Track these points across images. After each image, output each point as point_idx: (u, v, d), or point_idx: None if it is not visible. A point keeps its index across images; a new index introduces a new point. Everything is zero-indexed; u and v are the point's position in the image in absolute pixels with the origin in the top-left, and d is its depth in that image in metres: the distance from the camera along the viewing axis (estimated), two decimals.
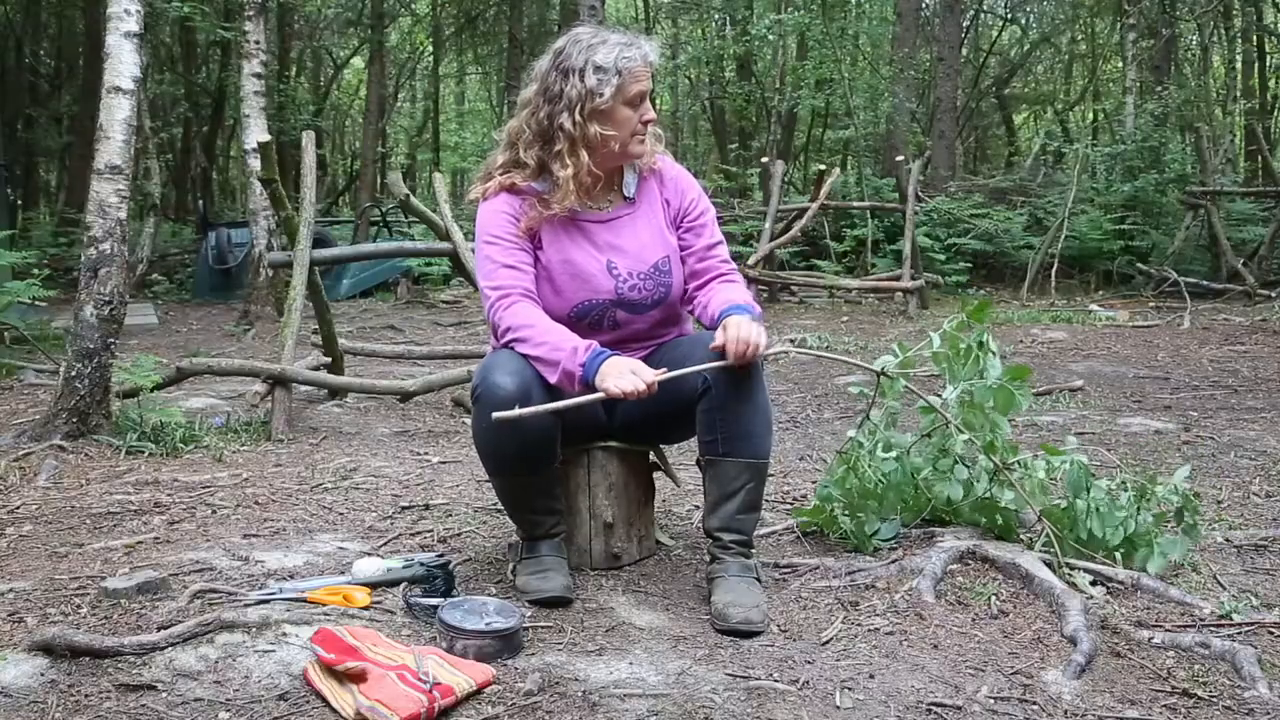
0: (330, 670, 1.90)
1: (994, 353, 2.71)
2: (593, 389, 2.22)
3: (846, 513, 2.76)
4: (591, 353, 2.25)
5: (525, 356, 2.32)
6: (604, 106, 2.40)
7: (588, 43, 2.41)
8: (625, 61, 2.40)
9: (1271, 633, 2.20)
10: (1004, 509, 2.68)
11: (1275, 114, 18.88)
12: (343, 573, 2.50)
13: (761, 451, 2.39)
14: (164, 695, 1.88)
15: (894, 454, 2.72)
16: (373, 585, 2.40)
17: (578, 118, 2.39)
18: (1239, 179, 13.94)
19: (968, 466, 2.71)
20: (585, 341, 2.29)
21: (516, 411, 2.18)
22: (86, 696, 1.86)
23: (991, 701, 1.93)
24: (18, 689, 1.88)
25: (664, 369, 2.27)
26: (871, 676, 2.02)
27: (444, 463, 3.95)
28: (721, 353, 2.29)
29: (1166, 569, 2.52)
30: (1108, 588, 2.42)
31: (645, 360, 2.50)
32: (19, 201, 15.48)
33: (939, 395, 2.72)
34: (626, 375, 2.20)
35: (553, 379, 2.29)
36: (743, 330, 2.27)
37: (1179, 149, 13.45)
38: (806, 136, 19.83)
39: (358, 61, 21.37)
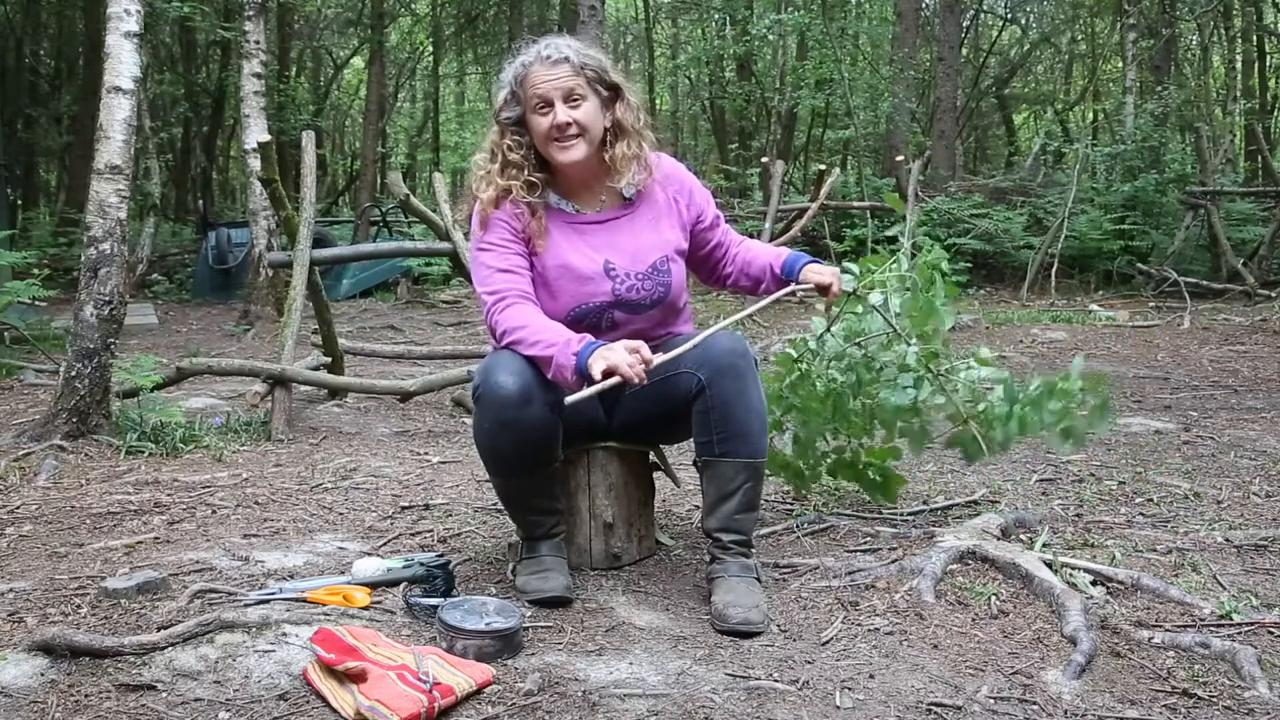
0: (330, 670, 1.90)
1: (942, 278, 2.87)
2: (587, 378, 2.19)
3: (793, 425, 2.92)
4: (585, 344, 2.24)
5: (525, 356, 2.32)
6: (511, 117, 2.43)
7: (514, 57, 2.45)
8: (520, 70, 2.41)
9: (1271, 633, 2.20)
10: (920, 411, 2.85)
11: (1275, 114, 18.89)
12: (343, 573, 2.50)
13: (758, 451, 2.39)
14: (164, 695, 1.88)
15: (845, 362, 2.92)
16: (373, 585, 2.40)
17: (493, 134, 2.47)
18: (1239, 179, 13.92)
19: (916, 376, 2.85)
20: (578, 335, 2.28)
21: (580, 394, 2.16)
22: (86, 696, 1.86)
23: (991, 701, 1.93)
24: (18, 689, 1.88)
25: (659, 354, 2.26)
26: (871, 676, 2.02)
27: (444, 463, 3.95)
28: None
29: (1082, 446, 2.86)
30: (1108, 588, 2.42)
31: None
32: (19, 201, 15.49)
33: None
34: (619, 350, 2.18)
35: (549, 374, 2.28)
36: (832, 272, 2.58)
37: (1179, 149, 13.45)
38: (806, 136, 19.84)
39: (358, 61, 21.38)
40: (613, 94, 2.45)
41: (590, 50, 2.45)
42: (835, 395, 2.90)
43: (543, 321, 2.34)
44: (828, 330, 2.93)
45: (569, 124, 2.37)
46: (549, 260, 2.45)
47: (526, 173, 2.43)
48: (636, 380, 2.17)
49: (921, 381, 2.85)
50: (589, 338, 2.27)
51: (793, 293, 2.62)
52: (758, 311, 2.83)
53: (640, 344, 2.21)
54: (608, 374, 2.16)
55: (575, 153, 2.40)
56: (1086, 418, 2.75)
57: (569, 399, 2.19)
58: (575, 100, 2.38)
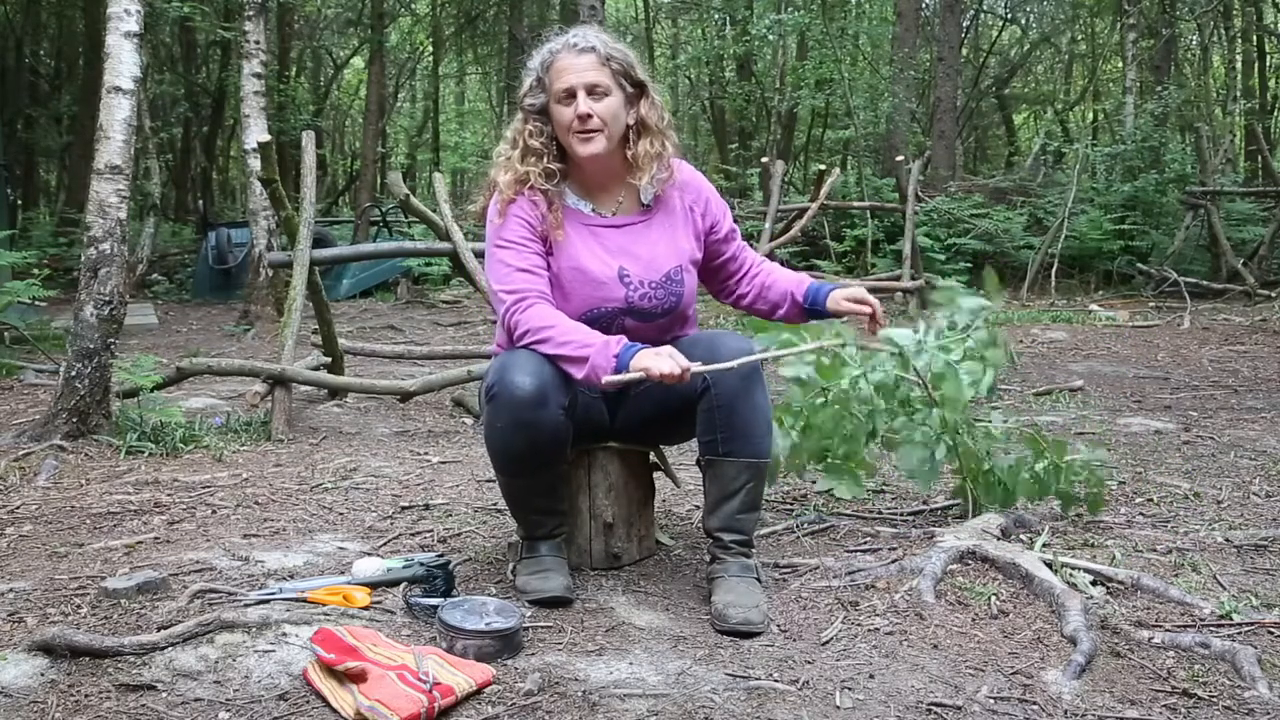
0: (330, 670, 1.90)
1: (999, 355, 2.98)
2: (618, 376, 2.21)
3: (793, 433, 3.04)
4: (624, 346, 2.23)
5: (548, 356, 2.28)
6: (534, 105, 2.42)
7: (541, 44, 2.44)
8: (547, 56, 2.40)
9: (1271, 633, 2.20)
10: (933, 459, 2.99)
11: (1275, 114, 18.89)
12: (343, 573, 2.50)
13: (761, 451, 2.39)
14: (164, 695, 1.88)
15: (867, 408, 3.03)
16: (373, 585, 2.40)
17: (517, 121, 2.46)
18: (1239, 179, 13.92)
19: (934, 435, 2.97)
20: (614, 337, 2.27)
21: (618, 378, 2.19)
22: (86, 696, 1.86)
23: (991, 701, 1.92)
24: (18, 689, 1.88)
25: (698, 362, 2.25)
26: (871, 676, 2.02)
27: (444, 463, 3.95)
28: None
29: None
30: (1108, 588, 2.42)
31: None
32: (19, 201, 15.48)
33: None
34: (665, 358, 2.18)
35: (580, 374, 2.25)
36: (864, 294, 2.52)
37: (1179, 149, 13.45)
38: (806, 136, 19.84)
39: (358, 61, 21.38)
40: (638, 91, 2.43)
41: (619, 44, 2.43)
42: (851, 430, 3.03)
43: (570, 323, 2.31)
44: (865, 375, 3.00)
45: (590, 116, 2.35)
46: (563, 261, 2.43)
47: (546, 160, 2.42)
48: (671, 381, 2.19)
49: (939, 441, 2.97)
50: (624, 340, 2.25)
51: (844, 345, 2.72)
52: (804, 353, 2.86)
53: (683, 360, 2.20)
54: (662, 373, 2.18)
55: (595, 146, 2.38)
56: (1085, 498, 3.03)
57: (607, 379, 2.20)
58: (599, 93, 2.37)
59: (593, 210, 2.49)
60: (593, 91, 2.36)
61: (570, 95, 2.36)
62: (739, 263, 2.66)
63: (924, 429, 2.96)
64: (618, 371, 2.19)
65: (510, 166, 2.43)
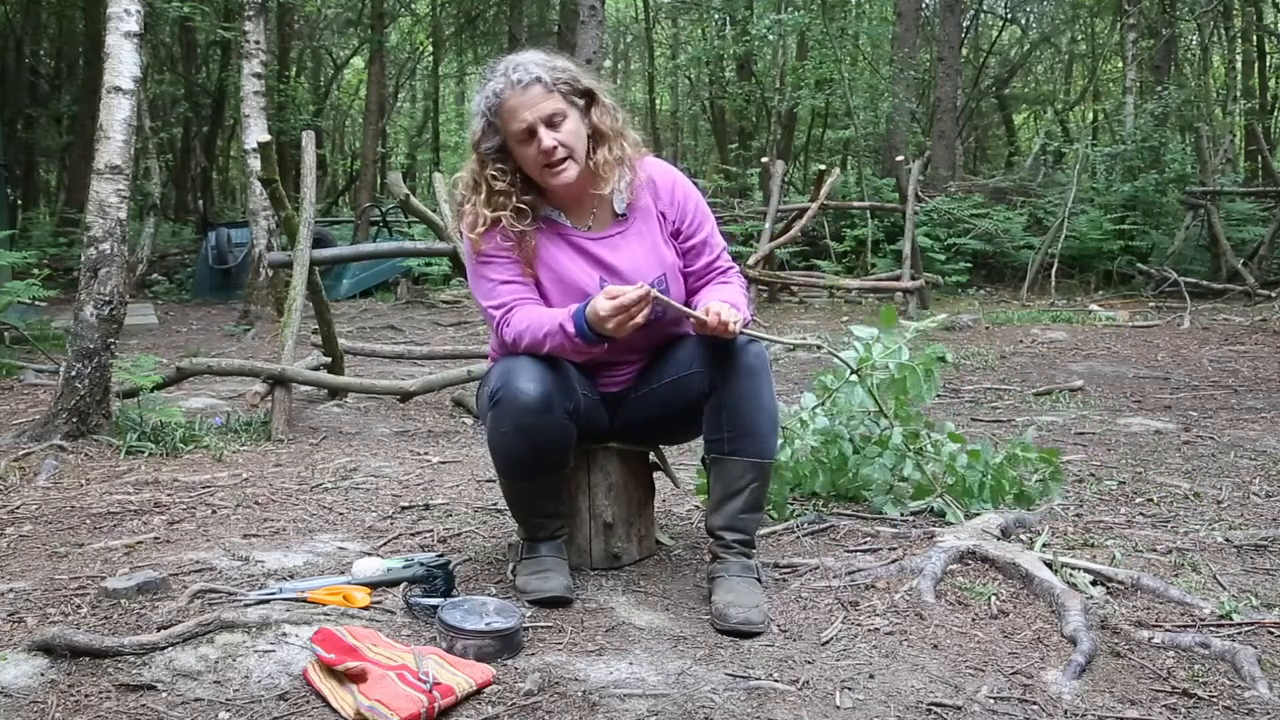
0: (330, 670, 1.90)
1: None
2: (594, 336, 2.24)
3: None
4: (574, 317, 2.25)
5: (551, 354, 2.31)
6: (491, 147, 2.36)
7: (483, 84, 2.38)
8: (492, 99, 2.33)
9: (1271, 633, 2.20)
10: (901, 483, 3.15)
11: (1275, 114, 18.90)
12: (343, 573, 2.50)
13: (767, 451, 2.39)
14: (164, 695, 1.88)
15: (830, 436, 3.15)
16: (373, 585, 2.40)
17: (474, 165, 2.40)
18: (1239, 179, 13.93)
19: (898, 453, 3.10)
20: (564, 312, 2.29)
21: (657, 292, 2.24)
22: (86, 696, 1.86)
23: (991, 701, 1.92)
24: (18, 689, 1.88)
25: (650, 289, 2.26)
26: (871, 676, 2.02)
27: (444, 463, 3.95)
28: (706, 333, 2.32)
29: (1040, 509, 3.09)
30: (1108, 588, 2.42)
31: (644, 366, 2.51)
32: (19, 201, 15.49)
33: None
34: (601, 300, 2.20)
35: (573, 357, 2.32)
36: (714, 306, 2.28)
37: (1179, 149, 13.46)
38: (806, 136, 19.85)
39: (358, 61, 21.39)
40: (587, 100, 2.39)
41: (556, 61, 2.38)
42: (816, 466, 3.17)
43: (538, 316, 2.32)
44: (823, 402, 3.12)
45: (555, 147, 2.30)
46: (545, 275, 2.42)
47: (515, 199, 2.38)
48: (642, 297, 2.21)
49: (903, 459, 3.07)
50: (571, 309, 2.27)
51: (819, 346, 2.89)
52: (785, 343, 3.09)
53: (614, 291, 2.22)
54: (628, 305, 2.20)
55: (568, 174, 2.34)
56: (1039, 485, 3.14)
57: (658, 296, 2.25)
58: (557, 122, 2.32)
59: (571, 225, 2.46)
60: (551, 123, 2.31)
61: (530, 134, 2.31)
62: (695, 289, 2.53)
63: (890, 449, 3.06)
64: (580, 335, 2.24)
65: (477, 213, 2.38)
